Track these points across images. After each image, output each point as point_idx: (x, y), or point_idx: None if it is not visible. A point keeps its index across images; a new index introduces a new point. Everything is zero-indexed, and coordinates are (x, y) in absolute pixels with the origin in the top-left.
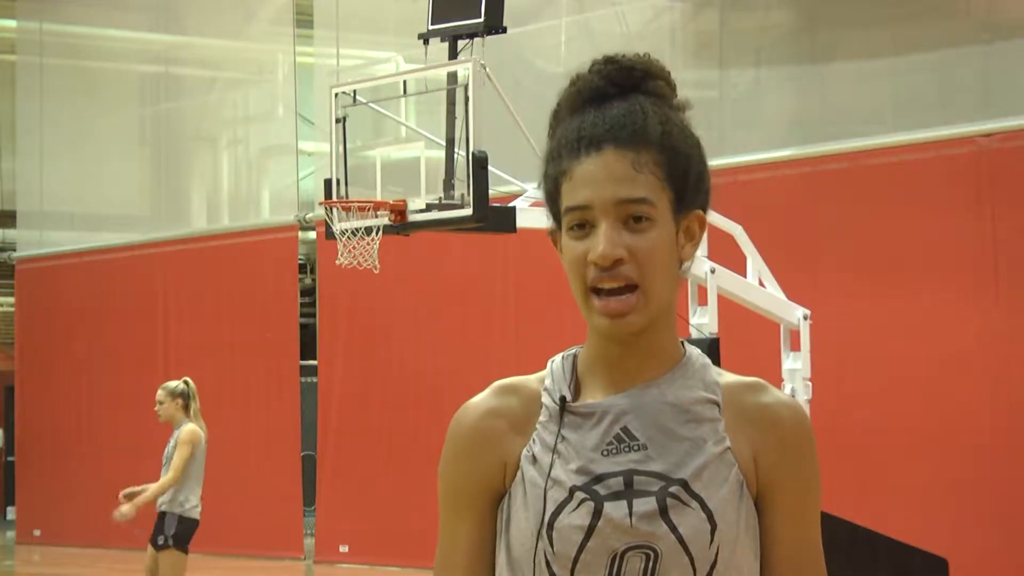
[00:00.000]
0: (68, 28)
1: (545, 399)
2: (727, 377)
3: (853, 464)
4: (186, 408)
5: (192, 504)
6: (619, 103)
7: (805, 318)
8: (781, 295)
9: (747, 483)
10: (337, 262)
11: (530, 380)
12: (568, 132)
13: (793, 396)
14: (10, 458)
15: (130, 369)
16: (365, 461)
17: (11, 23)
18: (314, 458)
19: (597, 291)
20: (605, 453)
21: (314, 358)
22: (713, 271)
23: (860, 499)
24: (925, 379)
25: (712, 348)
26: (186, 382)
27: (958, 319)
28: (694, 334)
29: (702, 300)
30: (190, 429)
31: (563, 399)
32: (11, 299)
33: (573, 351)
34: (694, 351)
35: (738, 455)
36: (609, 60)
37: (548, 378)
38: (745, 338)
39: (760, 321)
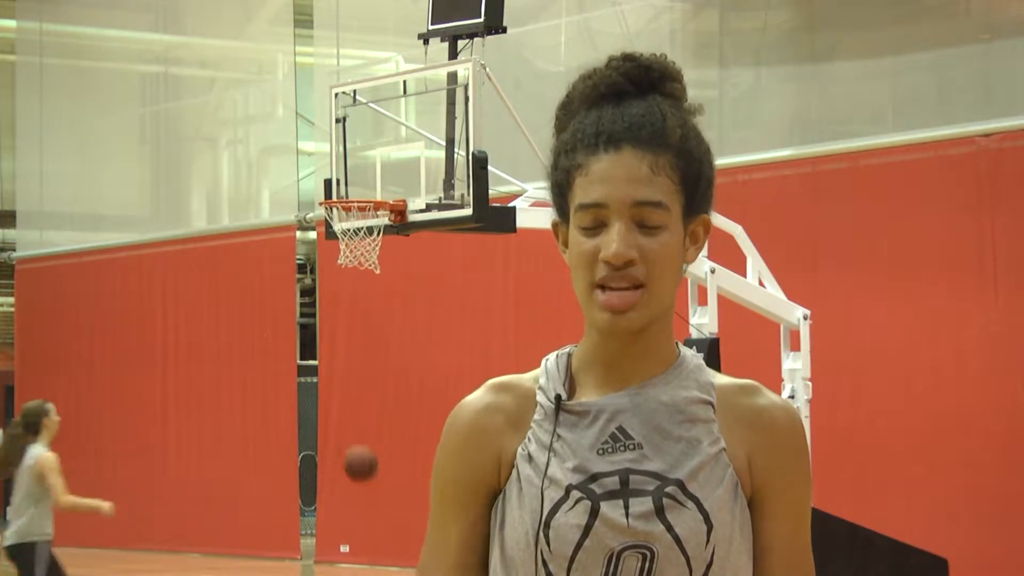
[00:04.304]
0: (68, 28)
1: (540, 397)
2: (721, 379)
3: (853, 464)
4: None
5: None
6: (637, 102)
7: (805, 318)
8: (781, 295)
9: (741, 484)
10: (339, 262)
11: (524, 379)
12: (586, 126)
13: (793, 396)
14: None
15: (130, 369)
16: None
17: (11, 23)
18: (314, 458)
19: (602, 287)
20: (600, 452)
21: (314, 358)
22: (713, 271)
23: (860, 499)
24: (925, 379)
25: (712, 348)
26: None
27: (958, 319)
28: (694, 334)
29: (702, 300)
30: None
31: (558, 397)
32: (11, 299)
33: (567, 350)
34: (688, 352)
35: (733, 456)
36: (628, 57)
37: (543, 376)
38: (745, 338)
39: (760, 321)
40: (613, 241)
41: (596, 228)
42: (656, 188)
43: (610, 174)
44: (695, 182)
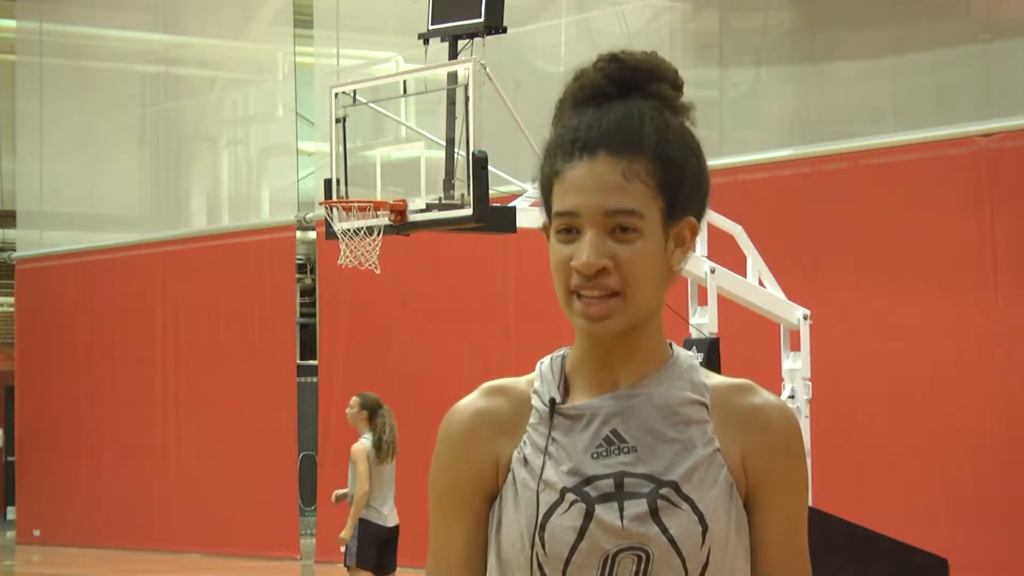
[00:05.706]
0: (68, 28)
1: (535, 401)
2: (715, 379)
3: (853, 464)
4: (368, 420)
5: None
6: (618, 105)
7: (805, 318)
8: (781, 295)
9: (736, 484)
10: (339, 262)
11: (519, 382)
12: (565, 131)
13: (793, 396)
14: (10, 458)
15: (129, 369)
16: None
17: (11, 23)
18: (314, 458)
19: (578, 293)
20: (595, 456)
21: (314, 358)
22: (713, 271)
23: (860, 499)
24: (925, 379)
25: (712, 348)
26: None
27: (958, 319)
28: (694, 334)
29: (702, 300)
30: (355, 447)
31: (552, 401)
32: (11, 299)
33: (562, 352)
34: (682, 353)
35: (727, 456)
36: (613, 58)
37: (537, 380)
38: (745, 338)
39: (760, 321)
40: (584, 251)
41: (571, 235)
42: (630, 196)
43: (583, 183)
44: (676, 186)
